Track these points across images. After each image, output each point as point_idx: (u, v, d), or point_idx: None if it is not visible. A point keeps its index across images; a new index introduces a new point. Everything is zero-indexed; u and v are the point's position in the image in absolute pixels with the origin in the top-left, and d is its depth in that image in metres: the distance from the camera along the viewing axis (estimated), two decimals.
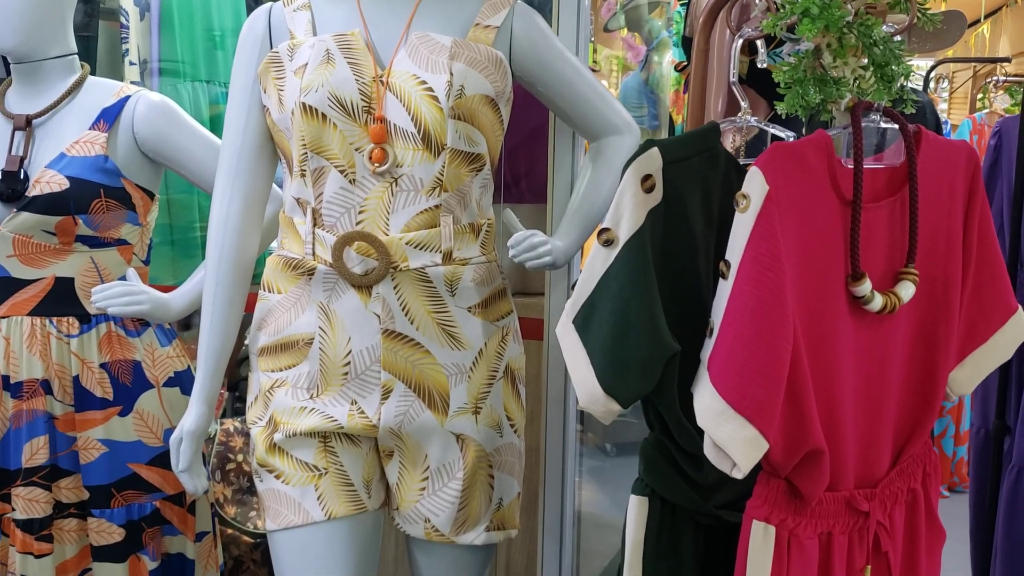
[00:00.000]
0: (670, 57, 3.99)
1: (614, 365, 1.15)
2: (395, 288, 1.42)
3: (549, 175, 1.79)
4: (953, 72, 6.22)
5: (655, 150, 1.15)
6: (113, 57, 2.67)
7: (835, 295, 1.17)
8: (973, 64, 5.15)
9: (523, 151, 2.10)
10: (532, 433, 1.86)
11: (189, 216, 2.40)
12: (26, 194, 1.61)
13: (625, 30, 4.27)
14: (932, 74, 4.55)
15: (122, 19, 2.54)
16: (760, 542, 1.16)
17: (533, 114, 1.89)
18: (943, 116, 6.00)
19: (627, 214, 1.14)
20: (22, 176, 1.62)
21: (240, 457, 2.11)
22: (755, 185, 1.08)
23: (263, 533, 2.05)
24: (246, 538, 2.03)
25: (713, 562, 1.29)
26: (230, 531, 2.03)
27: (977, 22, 6.31)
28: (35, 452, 1.67)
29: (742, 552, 1.17)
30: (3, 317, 1.66)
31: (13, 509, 1.68)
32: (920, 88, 4.28)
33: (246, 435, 2.14)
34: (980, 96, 4.27)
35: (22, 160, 1.64)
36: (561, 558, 1.93)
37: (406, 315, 1.43)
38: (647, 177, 1.14)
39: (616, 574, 1.33)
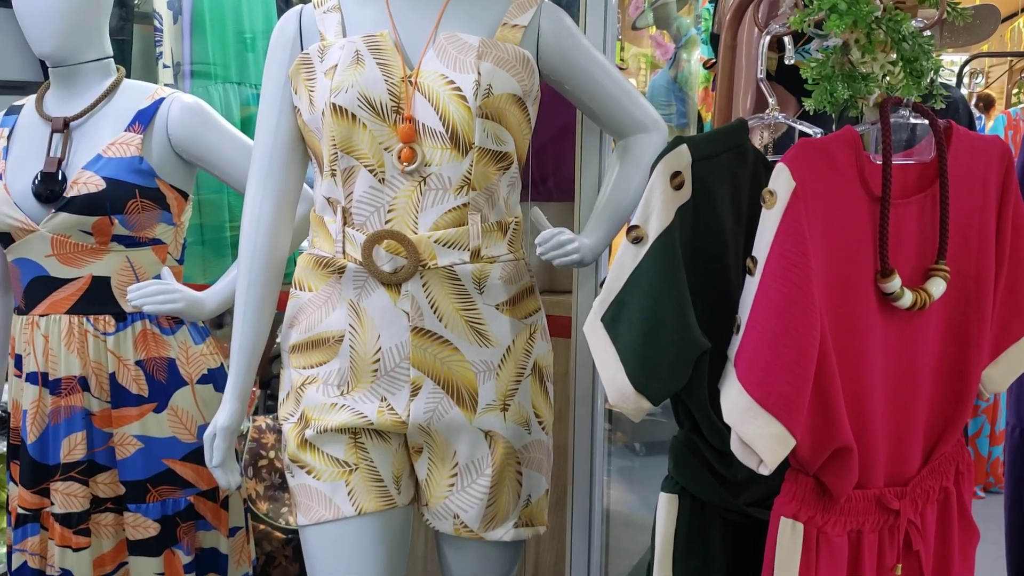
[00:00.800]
0: (699, 54, 3.98)
1: (644, 363, 1.15)
2: (424, 286, 1.44)
3: (576, 173, 1.80)
4: (989, 67, 6.14)
5: (684, 147, 1.15)
6: (147, 60, 2.72)
7: (864, 292, 1.16)
8: (1009, 59, 5.08)
9: (551, 149, 2.11)
10: (560, 431, 1.86)
11: (220, 216, 2.43)
12: (64, 195, 1.64)
13: (654, 28, 4.26)
14: (966, 69, 4.50)
15: (156, 22, 2.58)
16: (788, 539, 1.16)
17: (561, 112, 1.90)
18: (979, 115, 5.92)
19: (656, 211, 1.15)
20: (60, 177, 1.65)
21: (272, 454, 2.13)
22: (782, 181, 1.08)
23: (295, 529, 2.07)
24: (278, 534, 2.05)
25: (742, 559, 1.28)
26: (262, 527, 2.05)
27: (1014, 15, 6.22)
28: (73, 448, 1.70)
29: (770, 549, 1.17)
30: (42, 315, 1.69)
31: (52, 503, 1.72)
32: (953, 83, 4.24)
33: (278, 432, 2.16)
34: (1016, 91, 4.21)
35: (60, 162, 1.67)
36: (590, 556, 1.93)
37: (435, 312, 1.45)
38: (676, 174, 1.14)
39: (646, 572, 1.33)
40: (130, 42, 2.77)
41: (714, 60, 3.02)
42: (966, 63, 4.32)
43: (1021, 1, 5.87)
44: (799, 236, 1.07)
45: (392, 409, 1.47)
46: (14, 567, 1.76)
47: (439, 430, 1.49)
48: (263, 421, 2.16)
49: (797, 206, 1.07)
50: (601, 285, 1.20)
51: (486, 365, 1.49)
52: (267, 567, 2.07)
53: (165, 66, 2.57)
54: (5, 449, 1.89)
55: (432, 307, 1.44)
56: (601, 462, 1.89)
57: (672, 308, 1.14)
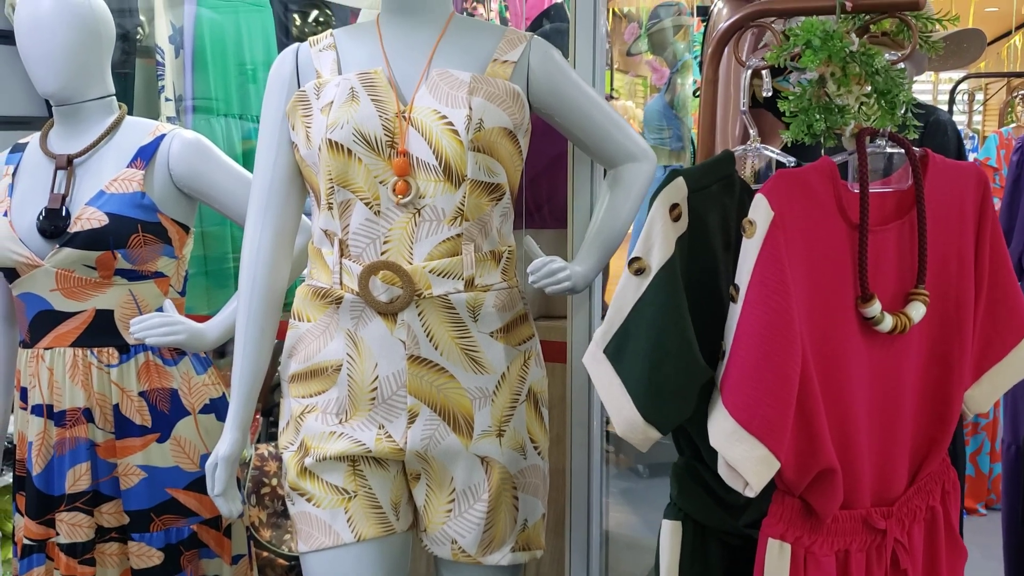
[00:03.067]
0: (693, 79, 4.03)
1: (652, 393, 1.17)
2: (419, 315, 1.47)
3: (568, 201, 1.83)
4: (987, 84, 6.19)
5: (681, 180, 1.18)
6: (150, 93, 2.77)
7: (845, 317, 1.19)
8: (1007, 78, 5.12)
9: (545, 178, 2.15)
10: (559, 455, 1.89)
11: (223, 248, 2.47)
12: (68, 231, 1.68)
13: (649, 54, 4.32)
14: (961, 87, 4.54)
15: (158, 56, 2.63)
16: (776, 559, 1.18)
17: (554, 142, 1.94)
18: (978, 129, 5.96)
19: (658, 243, 1.18)
20: (64, 213, 1.69)
21: (275, 481, 2.16)
22: (760, 211, 1.11)
23: (297, 556, 2.10)
24: (281, 560, 2.08)
25: None
26: (265, 554, 2.08)
27: (1008, 34, 6.27)
28: (78, 478, 1.73)
29: (759, 570, 1.19)
30: (47, 348, 1.73)
31: (57, 534, 1.75)
32: (945, 106, 4.28)
33: (280, 459, 2.19)
34: (1009, 110, 4.25)
35: (64, 198, 1.71)
36: (589, 570, 1.95)
37: (430, 341, 1.48)
38: (675, 206, 1.18)
39: None
40: (133, 75, 2.82)
41: (699, 90, 3.06)
42: (958, 84, 4.36)
43: (1016, 19, 5.93)
44: (778, 264, 1.11)
45: (390, 436, 1.50)
46: None
47: (436, 456, 1.52)
48: (265, 449, 2.19)
49: (776, 235, 1.11)
50: (603, 312, 1.22)
51: (481, 392, 1.52)
52: None
53: (167, 99, 2.62)
54: (11, 480, 1.92)
55: (428, 335, 1.48)
56: (599, 485, 1.91)
57: (678, 337, 1.16)
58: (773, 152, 1.31)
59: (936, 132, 2.03)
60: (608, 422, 2.18)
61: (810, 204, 1.15)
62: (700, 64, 2.24)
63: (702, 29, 4.06)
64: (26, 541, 1.77)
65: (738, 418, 1.10)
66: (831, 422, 1.17)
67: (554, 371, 1.75)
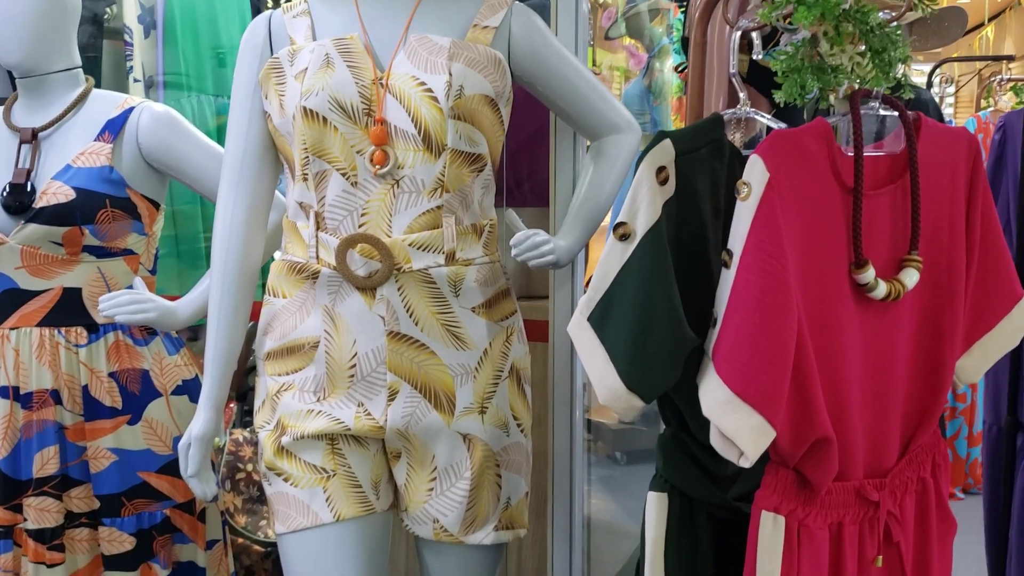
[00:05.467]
0: (671, 64, 4.01)
1: (636, 360, 1.14)
2: (399, 290, 1.43)
3: (551, 176, 1.80)
4: (959, 75, 6.22)
5: (667, 141, 1.15)
6: (118, 75, 2.70)
7: (838, 283, 1.16)
8: (978, 66, 5.14)
9: (525, 154, 2.11)
10: (539, 436, 1.86)
11: (194, 227, 2.42)
12: (33, 206, 1.62)
13: (627, 38, 4.30)
14: (936, 73, 4.55)
15: (126, 36, 2.57)
16: (770, 532, 1.16)
17: (534, 116, 1.90)
18: (949, 120, 5.99)
19: (644, 207, 1.14)
20: (29, 188, 1.64)
21: (250, 467, 2.11)
22: (756, 173, 1.08)
23: (274, 542, 2.05)
24: (257, 547, 2.03)
25: (730, 554, 1.28)
26: (241, 540, 2.03)
27: (981, 25, 6.31)
28: (46, 462, 1.67)
29: (752, 543, 1.16)
30: (12, 328, 1.67)
31: (25, 519, 1.69)
32: (924, 87, 4.28)
33: (255, 445, 2.14)
34: (985, 96, 4.26)
35: (28, 172, 1.65)
36: (571, 562, 1.92)
37: (410, 316, 1.44)
38: (661, 169, 1.14)
39: (635, 571, 1.32)
40: (100, 58, 2.75)
41: (685, 65, 3.03)
42: (935, 68, 4.37)
43: (989, 10, 5.96)
44: (774, 227, 1.07)
45: (369, 414, 1.46)
46: None
47: (417, 434, 1.48)
48: (240, 434, 2.14)
49: (772, 197, 1.08)
50: (586, 286, 1.19)
51: (463, 368, 1.48)
52: None
53: (136, 80, 2.56)
54: None
55: (408, 311, 1.44)
56: (581, 466, 1.88)
57: (663, 304, 1.13)
58: (763, 116, 1.28)
59: (918, 110, 2.01)
60: (588, 409, 2.16)
61: (805, 166, 1.12)
62: (680, 46, 2.21)
63: (679, 15, 4.04)
64: None
65: (732, 386, 1.07)
66: (824, 391, 1.14)
67: (535, 351, 1.72)
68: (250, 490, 2.09)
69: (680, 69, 3.18)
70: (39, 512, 1.68)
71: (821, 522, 1.18)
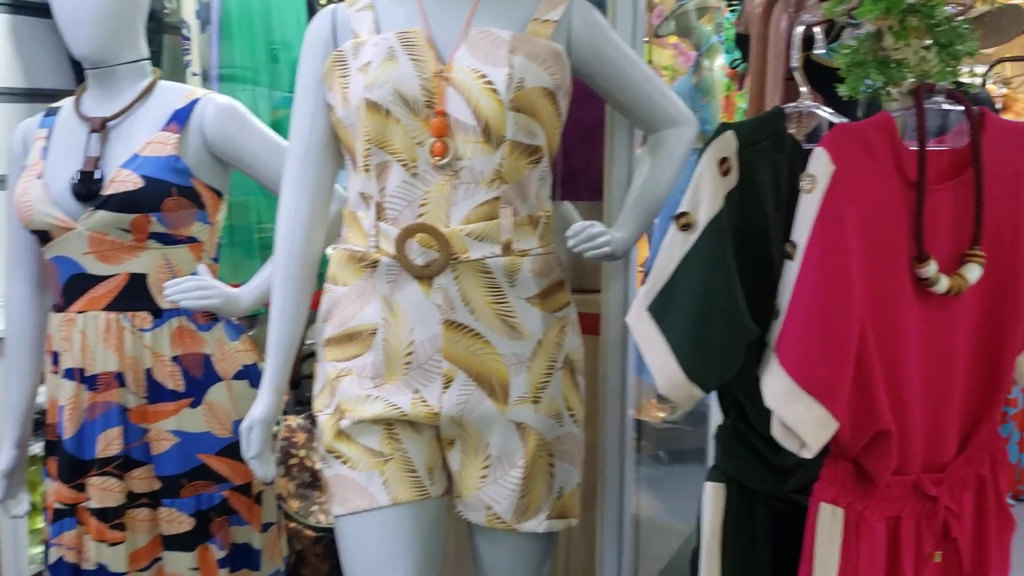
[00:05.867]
0: (721, 62, 4.00)
1: (697, 351, 1.15)
2: (456, 279, 1.45)
3: (605, 170, 1.81)
4: (1012, 76, 6.10)
5: (730, 133, 1.16)
6: (176, 69, 2.75)
7: (900, 277, 1.17)
8: None
9: (579, 148, 2.12)
10: (589, 430, 1.86)
11: (248, 218, 2.45)
12: (101, 193, 1.66)
13: (675, 36, 4.29)
14: (991, 72, 4.47)
15: (184, 31, 2.61)
16: (828, 524, 1.16)
17: (589, 111, 1.91)
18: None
19: (706, 198, 1.15)
20: (98, 176, 1.68)
21: (303, 452, 2.15)
22: (821, 165, 1.09)
23: (325, 527, 2.09)
24: (308, 532, 2.07)
25: (787, 546, 1.28)
26: (293, 525, 2.07)
27: None
28: (109, 443, 1.72)
29: (810, 535, 1.17)
30: (80, 312, 1.72)
31: (88, 498, 1.73)
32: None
33: (308, 431, 2.18)
34: None
35: (97, 160, 1.69)
36: (621, 554, 1.93)
37: (466, 306, 1.46)
38: (724, 160, 1.15)
39: (690, 561, 1.33)
40: (160, 52, 2.81)
41: (740, 61, 3.02)
42: (990, 68, 4.30)
43: None
44: (838, 220, 1.08)
45: (425, 401, 1.48)
46: (51, 561, 1.78)
47: (471, 422, 1.50)
48: (293, 420, 2.18)
49: (836, 190, 1.08)
50: (646, 276, 1.20)
51: (517, 358, 1.50)
52: (297, 565, 2.08)
53: (194, 74, 2.60)
54: (41, 451, 1.91)
55: (464, 300, 1.46)
56: (632, 458, 1.89)
57: (724, 295, 1.14)
58: (824, 110, 1.28)
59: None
60: (636, 409, 2.16)
61: (869, 160, 1.12)
62: (737, 40, 2.20)
63: (728, 14, 4.03)
64: (57, 505, 1.76)
65: (795, 377, 1.08)
66: (885, 384, 1.14)
67: (586, 344, 1.73)
68: (302, 475, 2.13)
69: (734, 66, 3.17)
70: (102, 491, 1.72)
71: (879, 515, 1.19)
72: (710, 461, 2.40)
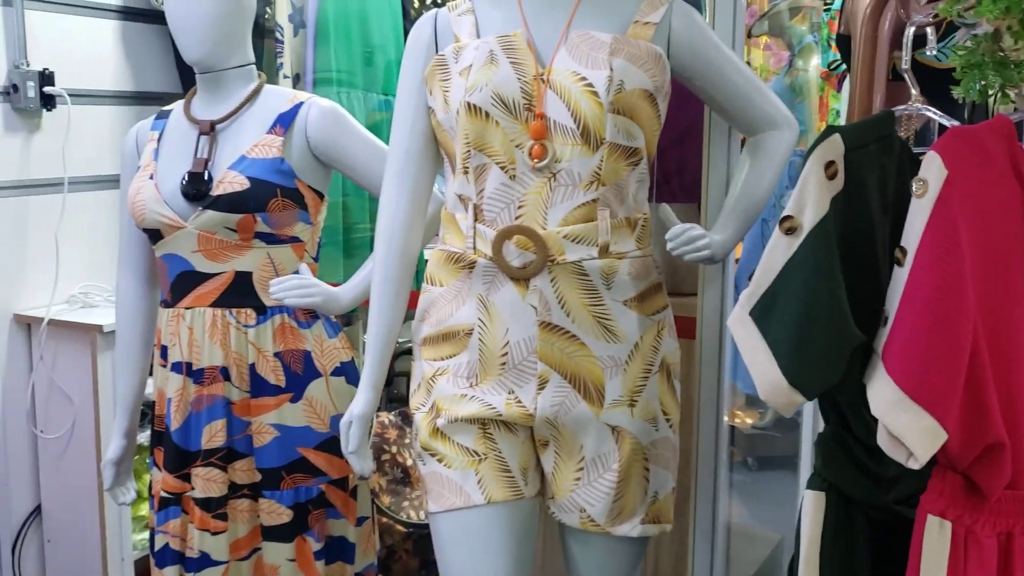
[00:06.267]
0: (816, 62, 3.92)
1: (799, 356, 1.14)
2: (552, 281, 1.46)
3: (704, 173, 1.79)
4: None
5: (837, 136, 1.14)
6: (268, 72, 2.82)
7: (1015, 284, 1.13)
8: None
9: (675, 150, 2.11)
10: (683, 434, 1.85)
11: (347, 219, 2.51)
12: (210, 194, 1.72)
13: (766, 36, 4.23)
14: None
15: (277, 35, 2.68)
16: (935, 538, 1.13)
17: (685, 113, 1.90)
18: None
19: (811, 201, 1.14)
20: (206, 177, 1.74)
21: (394, 449, 2.18)
22: (933, 169, 1.06)
23: (416, 523, 2.12)
24: (400, 527, 2.10)
25: (886, 559, 1.25)
26: (384, 520, 2.10)
27: None
28: (214, 435, 1.78)
29: (916, 548, 1.14)
30: (187, 308, 1.78)
31: (192, 488, 1.80)
32: None
33: (400, 428, 2.21)
34: None
35: (206, 162, 1.76)
36: (713, 562, 1.91)
37: (562, 308, 1.46)
38: (830, 163, 1.13)
39: (787, 570, 1.31)
40: (258, 55, 2.88)
41: (838, 62, 2.95)
42: None
43: None
44: (951, 225, 1.05)
45: (520, 402, 1.49)
46: (156, 548, 1.85)
47: (566, 424, 1.50)
48: (386, 417, 2.22)
49: (949, 194, 1.05)
50: (750, 279, 1.19)
51: (613, 361, 1.50)
52: (388, 560, 2.12)
53: (285, 76, 2.67)
54: (148, 440, 1.98)
55: (560, 302, 1.46)
56: (725, 465, 1.87)
57: (829, 300, 1.12)
58: (935, 113, 1.25)
59: None
60: (730, 415, 2.13)
61: (983, 164, 1.09)
62: (838, 40, 2.16)
63: (823, 14, 3.95)
64: (163, 494, 1.83)
65: (904, 386, 1.05)
66: (998, 395, 1.11)
67: (681, 348, 1.71)
68: (394, 471, 2.17)
69: (832, 67, 3.10)
70: (206, 482, 1.78)
71: (990, 530, 1.15)
72: (801, 468, 2.36)
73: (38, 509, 2.71)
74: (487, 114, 1.44)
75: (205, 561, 1.79)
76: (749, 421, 4.00)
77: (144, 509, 2.68)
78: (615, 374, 1.50)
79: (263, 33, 2.84)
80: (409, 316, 1.66)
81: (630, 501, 1.53)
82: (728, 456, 1.93)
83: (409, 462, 2.20)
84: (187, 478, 1.80)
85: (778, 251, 1.16)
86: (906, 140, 1.41)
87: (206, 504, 1.79)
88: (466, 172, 1.48)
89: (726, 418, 1.91)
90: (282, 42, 2.65)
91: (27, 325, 2.63)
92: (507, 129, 1.44)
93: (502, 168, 1.45)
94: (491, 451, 1.51)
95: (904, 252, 1.09)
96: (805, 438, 2.38)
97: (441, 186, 1.64)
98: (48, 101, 2.58)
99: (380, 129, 2.59)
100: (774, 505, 3.41)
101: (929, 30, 1.27)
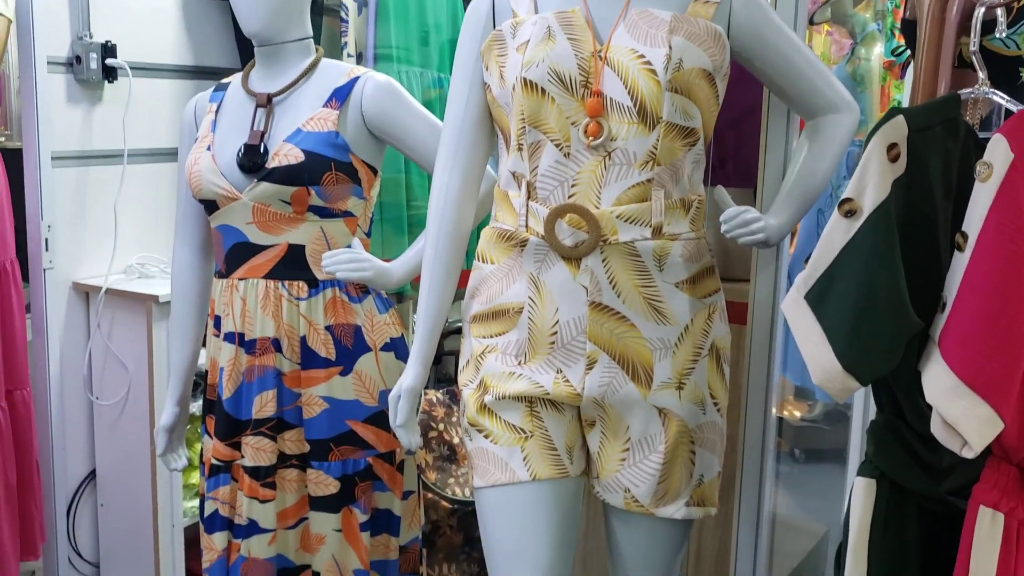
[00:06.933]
0: (879, 51, 3.84)
1: (855, 342, 1.12)
2: (603, 261, 1.45)
3: (760, 156, 1.77)
4: None
5: (900, 118, 1.12)
6: (333, 50, 2.85)
7: None
8: None
9: (731, 133, 2.08)
10: (730, 421, 1.84)
11: (399, 195, 2.52)
12: (266, 166, 1.74)
13: (828, 23, 4.16)
14: None
15: (342, 14, 2.70)
16: (987, 530, 1.11)
17: (742, 95, 1.87)
18: None
19: (872, 184, 1.12)
20: (262, 149, 1.76)
21: (441, 427, 2.20)
22: (999, 153, 1.03)
23: (461, 500, 2.13)
24: (445, 503, 2.12)
25: (938, 549, 1.23)
26: (430, 495, 2.12)
27: None
28: (264, 405, 1.80)
29: (966, 539, 1.12)
30: (241, 279, 1.80)
31: (242, 456, 1.83)
32: None
33: (447, 407, 2.23)
34: None
35: (263, 134, 1.77)
36: (757, 548, 1.90)
37: (613, 288, 1.46)
38: (893, 146, 1.11)
39: (836, 557, 1.30)
40: (318, 34, 2.91)
41: (900, 50, 2.88)
42: None
43: None
44: (1016, 210, 1.02)
45: (568, 381, 1.49)
46: (206, 514, 1.88)
47: (613, 404, 1.50)
48: (433, 395, 2.23)
49: (1015, 179, 1.03)
50: (806, 261, 1.17)
51: (663, 343, 1.49)
52: (432, 535, 2.14)
53: (349, 55, 2.69)
54: (200, 410, 2.02)
55: (611, 282, 1.46)
56: (772, 453, 1.85)
57: (888, 285, 1.10)
58: (1001, 97, 1.22)
59: None
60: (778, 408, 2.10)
61: None
62: (903, 26, 2.11)
63: (888, 1, 3.87)
64: (214, 461, 1.86)
65: (960, 374, 1.03)
66: None
67: (731, 333, 1.70)
68: (441, 448, 2.18)
69: (895, 54, 3.03)
70: (255, 450, 1.81)
71: None
72: (849, 462, 2.32)
73: (93, 474, 2.78)
74: (543, 90, 1.43)
75: (253, 528, 1.82)
76: (798, 413, 3.96)
77: (195, 477, 2.74)
78: (664, 356, 1.49)
79: (326, 11, 2.87)
80: (459, 295, 1.67)
81: (675, 483, 1.52)
82: (775, 445, 1.92)
83: (456, 440, 2.21)
84: (237, 446, 1.83)
85: (836, 234, 1.14)
86: (975, 126, 1.38)
87: (255, 472, 1.82)
88: (520, 149, 1.48)
89: (774, 409, 1.89)
90: (347, 21, 2.67)
91: (85, 294, 2.69)
92: (563, 106, 1.43)
93: (556, 145, 1.44)
94: (537, 429, 1.51)
95: (965, 237, 1.06)
96: (854, 431, 2.35)
97: (494, 167, 1.64)
98: (110, 73, 2.63)
99: (435, 106, 2.60)
100: (821, 497, 3.37)
101: (1000, 12, 1.23)
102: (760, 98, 1.77)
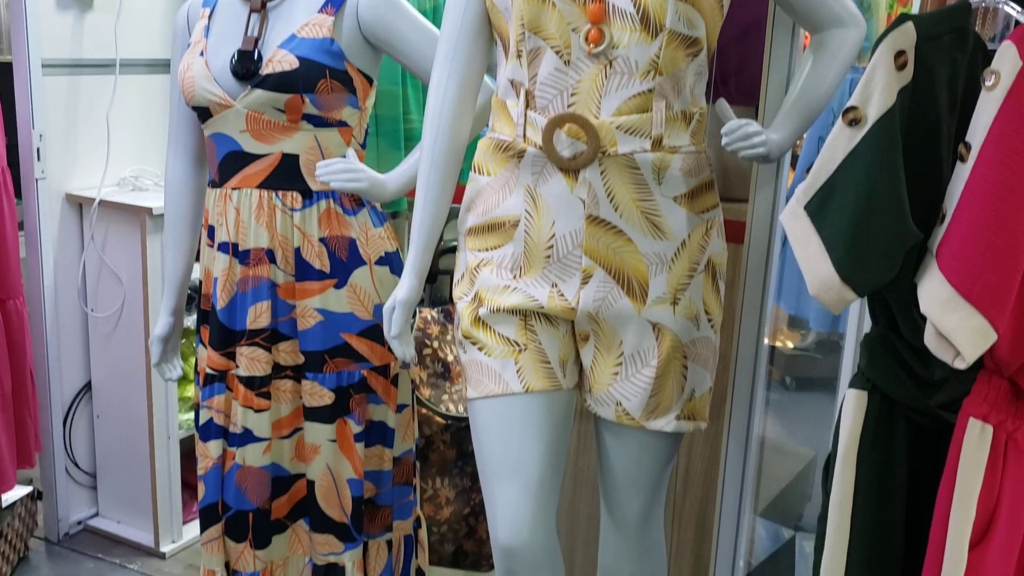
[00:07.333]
0: None
1: (853, 252, 1.11)
2: (602, 174, 1.43)
3: (764, 73, 1.74)
4: None
5: (909, 24, 1.09)
6: None
7: None
8: None
9: (734, 49, 2.04)
10: (723, 339, 1.84)
11: (395, 108, 2.48)
12: (259, 72, 1.71)
13: None
14: None
15: None
16: (975, 442, 1.12)
17: (746, 11, 1.84)
18: None
19: (878, 92, 1.09)
20: (256, 56, 1.72)
21: (436, 344, 2.20)
22: (1007, 61, 1.01)
23: (454, 416, 2.14)
24: (438, 419, 2.13)
25: (926, 463, 1.25)
26: (424, 411, 2.14)
27: None
28: (258, 315, 1.80)
29: (955, 450, 1.13)
30: (235, 189, 1.78)
31: (237, 366, 1.83)
32: None
33: (442, 324, 2.23)
34: None
35: (256, 41, 1.74)
36: (745, 464, 1.92)
37: (611, 201, 1.44)
38: (900, 53, 1.09)
39: (824, 468, 1.31)
40: None
41: None
42: None
43: None
44: (1022, 121, 1.00)
45: (562, 295, 1.49)
46: (201, 422, 1.90)
47: (607, 319, 1.50)
48: (428, 313, 2.23)
49: (1022, 89, 1.00)
50: (811, 175, 1.15)
51: (659, 257, 1.48)
52: (426, 449, 2.16)
53: None
54: (195, 323, 2.01)
55: (608, 196, 1.44)
56: (764, 365, 1.86)
57: (889, 195, 1.09)
58: (1014, 8, 1.19)
59: None
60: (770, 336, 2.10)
61: None
62: None
63: None
64: (208, 371, 1.87)
65: (956, 285, 1.03)
66: None
67: (728, 252, 1.69)
68: (435, 366, 2.19)
69: None
70: (250, 360, 1.82)
71: None
72: (840, 392, 2.33)
73: (88, 385, 2.80)
74: None
75: (248, 437, 1.83)
76: (790, 343, 3.98)
77: (190, 391, 2.76)
78: (660, 271, 1.49)
79: None
80: (454, 213, 1.65)
81: (666, 397, 1.53)
82: (766, 372, 1.92)
83: (450, 357, 2.22)
84: (232, 356, 1.84)
85: (839, 142, 1.12)
86: (986, 39, 1.35)
87: (250, 382, 1.82)
88: (519, 56, 1.45)
89: (766, 339, 1.90)
90: None
91: (79, 205, 2.67)
92: (564, 11, 1.40)
93: (556, 52, 1.41)
94: (531, 342, 1.51)
95: (968, 147, 1.05)
96: (846, 361, 2.36)
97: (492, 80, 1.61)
98: None
99: (431, 16, 2.54)
100: (810, 423, 3.41)
101: None
102: (764, 15, 1.73)
